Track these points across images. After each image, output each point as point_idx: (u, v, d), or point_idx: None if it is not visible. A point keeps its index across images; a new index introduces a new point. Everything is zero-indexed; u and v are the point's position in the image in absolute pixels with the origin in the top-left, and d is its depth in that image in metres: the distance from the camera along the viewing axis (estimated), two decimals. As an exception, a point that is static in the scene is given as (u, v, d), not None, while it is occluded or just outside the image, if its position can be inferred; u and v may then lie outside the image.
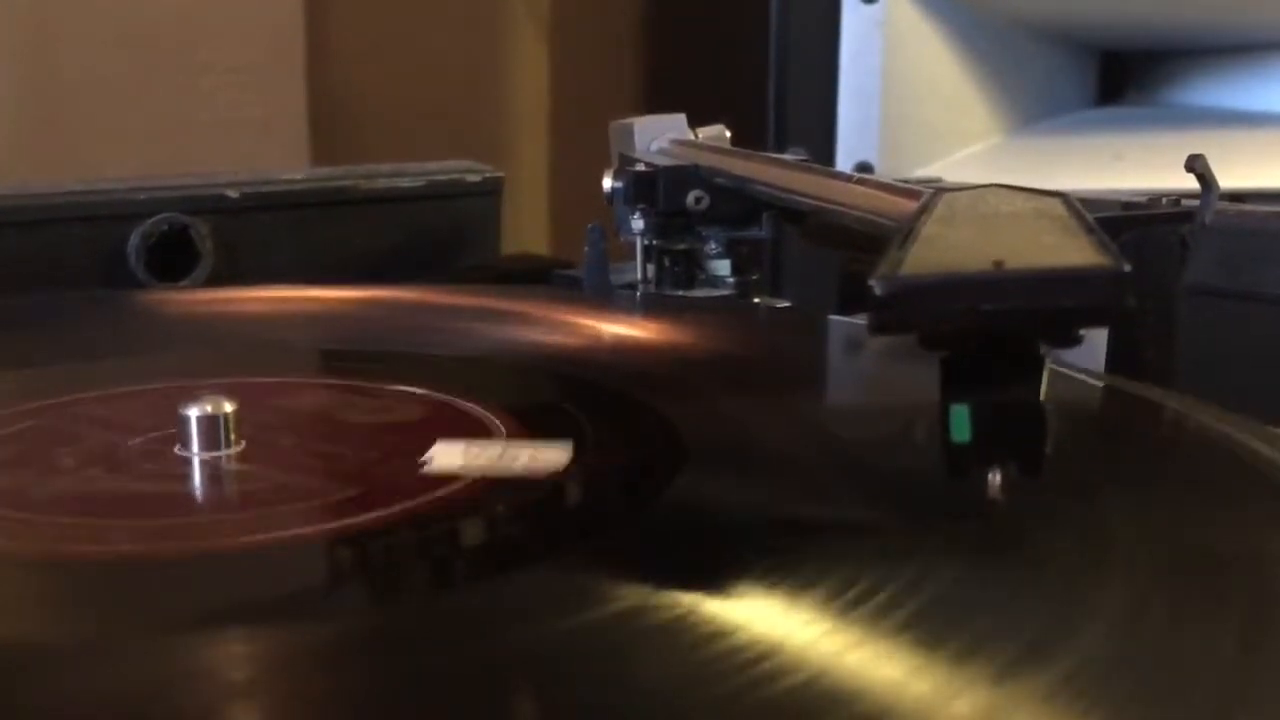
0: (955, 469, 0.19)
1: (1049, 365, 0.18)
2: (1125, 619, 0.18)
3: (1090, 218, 0.19)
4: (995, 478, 0.19)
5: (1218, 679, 0.17)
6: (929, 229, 0.19)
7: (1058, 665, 0.17)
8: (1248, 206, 0.45)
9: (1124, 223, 0.30)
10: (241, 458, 0.26)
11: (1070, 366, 0.31)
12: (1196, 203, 0.34)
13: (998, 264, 0.16)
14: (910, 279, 0.17)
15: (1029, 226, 0.19)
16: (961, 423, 0.18)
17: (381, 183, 0.53)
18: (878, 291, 0.16)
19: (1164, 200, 0.35)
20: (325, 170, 0.56)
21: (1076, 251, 0.17)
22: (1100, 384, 0.32)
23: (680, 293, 0.44)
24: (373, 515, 0.23)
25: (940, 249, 0.18)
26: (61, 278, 0.46)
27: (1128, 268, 0.16)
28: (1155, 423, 0.30)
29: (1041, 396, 0.18)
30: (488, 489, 0.24)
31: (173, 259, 0.47)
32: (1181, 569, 0.20)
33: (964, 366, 0.18)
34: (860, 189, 0.31)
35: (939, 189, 0.24)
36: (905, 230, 0.19)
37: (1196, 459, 0.27)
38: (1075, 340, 0.17)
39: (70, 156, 0.74)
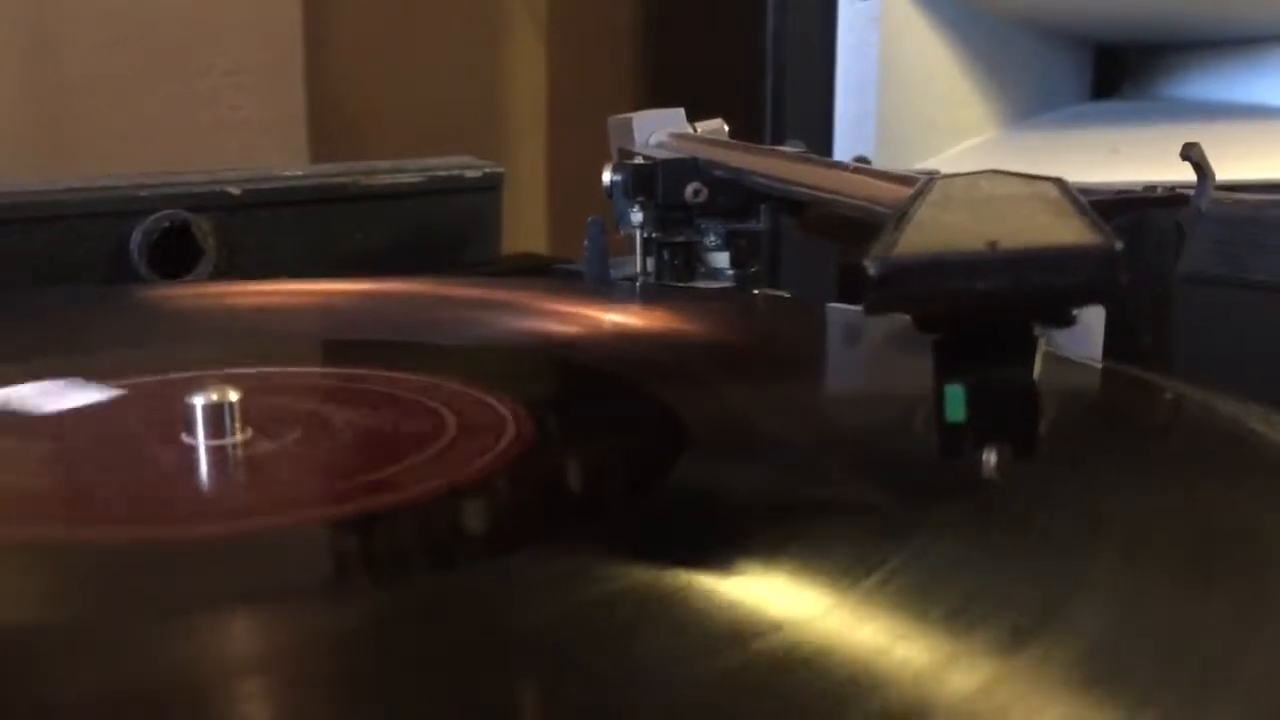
0: (950, 449, 0.19)
1: (1043, 346, 0.19)
2: (1123, 594, 0.19)
3: (1084, 200, 0.19)
4: (990, 457, 0.19)
5: (1214, 652, 0.17)
6: (923, 212, 0.19)
7: (1056, 640, 0.17)
8: (1241, 195, 0.45)
9: (1117, 206, 0.31)
10: (247, 446, 0.26)
11: (1068, 351, 0.31)
12: (1189, 193, 0.35)
13: (991, 244, 0.17)
14: (903, 259, 0.17)
15: (1023, 208, 0.19)
16: (956, 403, 0.19)
17: (382, 179, 0.53)
18: (871, 272, 0.17)
19: (1159, 189, 0.35)
20: (326, 166, 0.56)
21: (1069, 231, 0.17)
22: (1097, 367, 0.32)
23: (680, 285, 0.45)
24: (377, 500, 0.23)
25: (934, 230, 0.18)
26: (65, 274, 0.47)
27: (1120, 246, 0.16)
28: (1151, 404, 0.30)
29: (1035, 376, 0.18)
30: (489, 476, 0.25)
31: (175, 255, 0.47)
32: (1178, 545, 0.21)
33: (958, 347, 0.18)
34: (857, 178, 0.31)
35: (934, 175, 0.24)
36: (900, 213, 0.19)
37: (1191, 438, 0.27)
38: (1069, 320, 0.18)
39: (71, 157, 0.74)
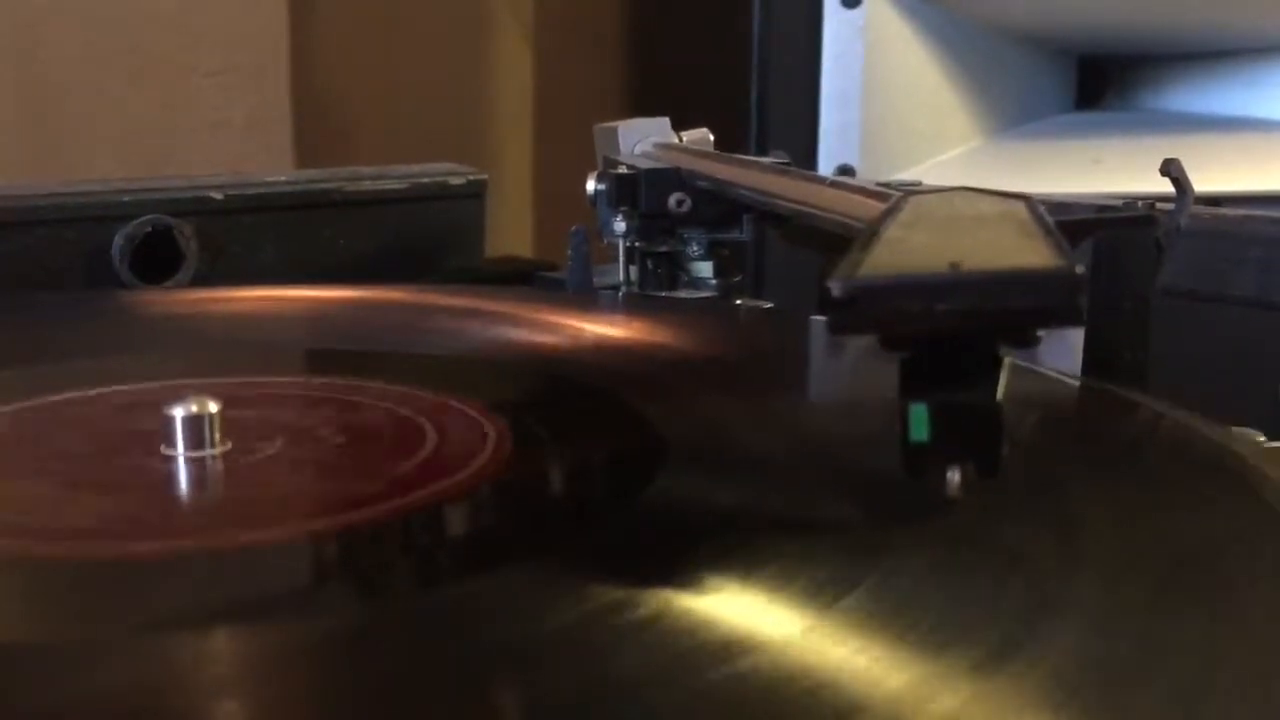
0: (914, 468, 0.19)
1: (1007, 365, 0.19)
2: (1096, 611, 0.19)
3: (1050, 220, 0.20)
4: (954, 476, 0.19)
5: (1186, 668, 0.17)
6: (892, 231, 0.19)
7: (1031, 658, 0.17)
8: (1221, 210, 0.46)
9: (1090, 226, 0.31)
10: (226, 457, 0.26)
11: (1044, 366, 0.32)
12: (1169, 206, 0.35)
13: (954, 266, 0.17)
14: (866, 280, 0.17)
15: (990, 229, 0.19)
16: (920, 422, 0.19)
17: (366, 185, 0.53)
18: (835, 292, 0.17)
19: (1139, 204, 0.36)
20: (309, 172, 0.56)
21: (1031, 254, 0.17)
22: (1074, 383, 0.32)
23: (663, 294, 0.45)
24: (355, 514, 0.23)
25: (900, 251, 0.18)
26: (46, 279, 0.46)
27: (1080, 270, 0.17)
28: (1125, 421, 0.30)
29: (999, 396, 0.19)
30: (469, 489, 0.25)
31: (157, 260, 0.47)
32: (1151, 563, 0.21)
33: (923, 367, 0.19)
34: (834, 192, 0.31)
35: (908, 192, 0.24)
36: (870, 232, 0.19)
37: (1164, 456, 0.28)
38: (1033, 341, 0.18)
39: (56, 158, 0.74)
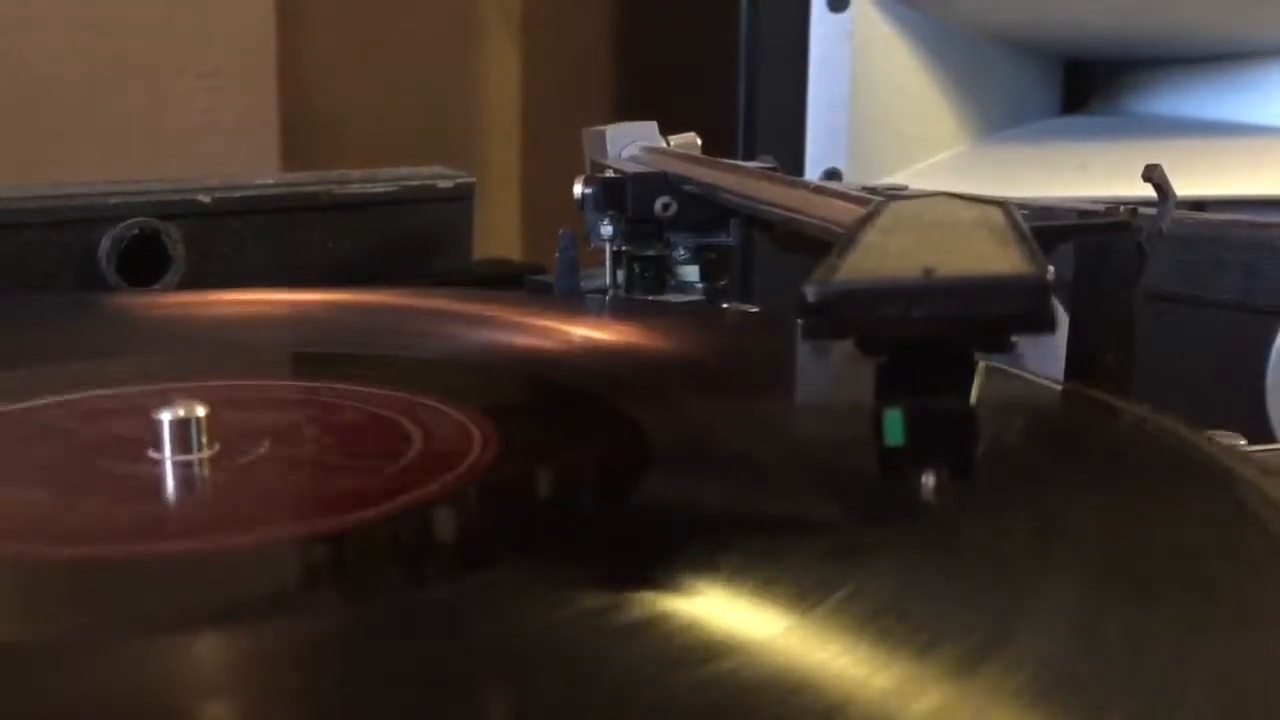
0: (889, 471, 0.20)
1: (982, 369, 0.19)
2: (1077, 612, 0.19)
3: (1026, 227, 0.20)
4: (928, 480, 0.19)
5: (1165, 670, 0.17)
6: (870, 237, 0.19)
7: (1010, 658, 0.17)
8: (1204, 215, 0.46)
9: (1067, 232, 0.31)
10: (214, 461, 0.26)
11: (1025, 370, 0.32)
12: (1152, 211, 0.35)
13: (928, 272, 0.17)
14: (840, 285, 0.17)
15: (965, 235, 0.19)
16: (895, 427, 0.19)
17: (354, 188, 0.53)
18: (809, 298, 0.17)
19: (1121, 209, 0.36)
20: (298, 175, 0.56)
21: (1004, 260, 0.18)
22: (1054, 387, 0.33)
23: (650, 298, 0.45)
24: (344, 517, 0.23)
25: (877, 256, 0.18)
26: (32, 281, 0.46)
27: (1050, 277, 0.17)
28: (1105, 424, 0.31)
29: (973, 401, 0.19)
30: (455, 492, 0.25)
31: (144, 263, 0.47)
32: (1130, 564, 0.21)
33: (898, 371, 0.19)
34: (817, 197, 0.32)
35: (889, 197, 0.24)
36: (848, 237, 0.20)
37: (1145, 459, 0.28)
38: (1007, 346, 0.18)
39: (41, 161, 0.74)
